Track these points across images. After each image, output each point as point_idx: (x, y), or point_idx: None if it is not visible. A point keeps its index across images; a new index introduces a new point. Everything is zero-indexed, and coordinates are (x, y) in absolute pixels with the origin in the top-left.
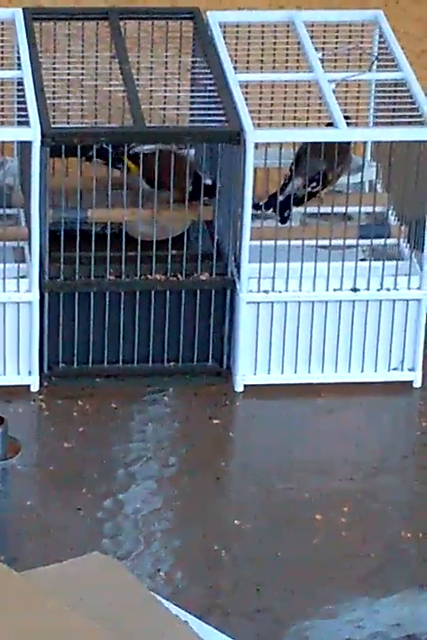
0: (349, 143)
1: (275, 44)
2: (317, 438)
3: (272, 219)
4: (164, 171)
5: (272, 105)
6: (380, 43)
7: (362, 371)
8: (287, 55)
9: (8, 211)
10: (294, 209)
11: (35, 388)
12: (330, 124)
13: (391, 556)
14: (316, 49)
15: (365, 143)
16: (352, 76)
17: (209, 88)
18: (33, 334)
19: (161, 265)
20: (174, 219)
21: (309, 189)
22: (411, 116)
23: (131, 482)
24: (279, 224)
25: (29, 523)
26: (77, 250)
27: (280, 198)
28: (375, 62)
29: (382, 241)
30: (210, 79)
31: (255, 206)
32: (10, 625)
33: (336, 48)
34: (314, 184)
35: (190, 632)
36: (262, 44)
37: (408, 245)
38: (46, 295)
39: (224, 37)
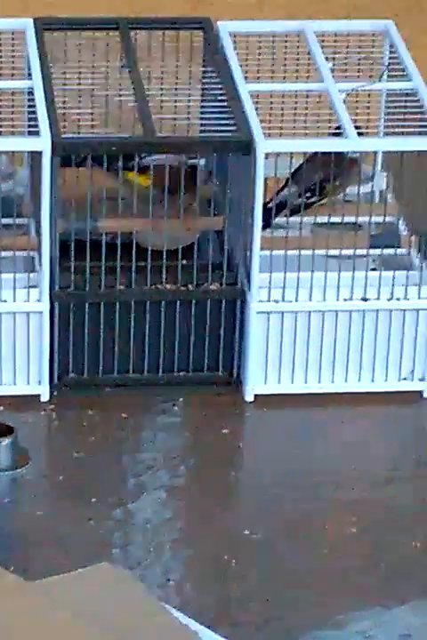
0: (350, 155)
1: (285, 54)
2: (327, 448)
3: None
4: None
5: (283, 115)
6: (390, 52)
7: (372, 380)
8: (298, 65)
9: (18, 220)
10: (291, 218)
11: (45, 397)
12: (336, 133)
13: (401, 567)
14: (326, 59)
15: (375, 153)
16: (363, 85)
17: (219, 98)
18: (43, 344)
19: (171, 275)
20: (184, 228)
21: (304, 200)
22: (422, 126)
23: (141, 492)
24: (262, 229)
25: (39, 533)
26: (88, 260)
27: (270, 205)
28: (386, 72)
29: (392, 251)
30: (220, 89)
31: None
32: (20, 635)
33: (347, 58)
34: (309, 194)
35: None
36: (273, 54)
37: (419, 255)
38: (56, 305)
39: (235, 47)
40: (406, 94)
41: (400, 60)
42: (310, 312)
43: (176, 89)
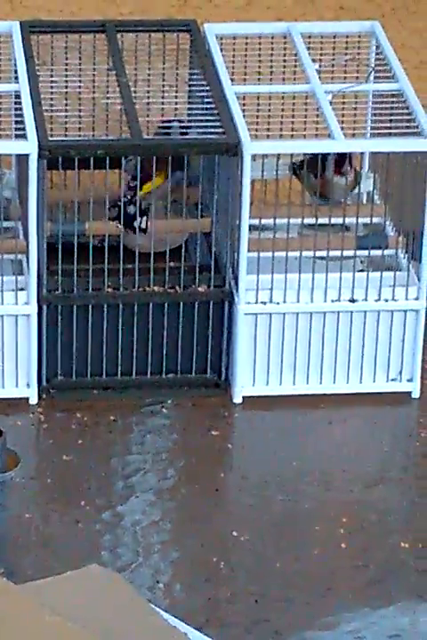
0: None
1: (272, 55)
2: (315, 449)
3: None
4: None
5: (269, 117)
6: (377, 54)
7: (361, 381)
8: (284, 67)
9: (6, 223)
10: (292, 220)
11: (33, 400)
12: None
13: (390, 567)
14: (313, 60)
15: (362, 154)
16: (349, 87)
17: (206, 100)
18: (31, 347)
19: (159, 277)
20: (172, 230)
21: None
22: (408, 127)
23: (129, 494)
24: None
25: (28, 535)
26: (75, 262)
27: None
28: (372, 73)
29: (379, 252)
30: (207, 91)
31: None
32: (9, 638)
33: (333, 59)
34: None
35: None
36: (259, 55)
37: (406, 256)
38: (45, 308)
39: (221, 49)
40: (393, 95)
41: (387, 62)
42: (297, 313)
43: (163, 91)
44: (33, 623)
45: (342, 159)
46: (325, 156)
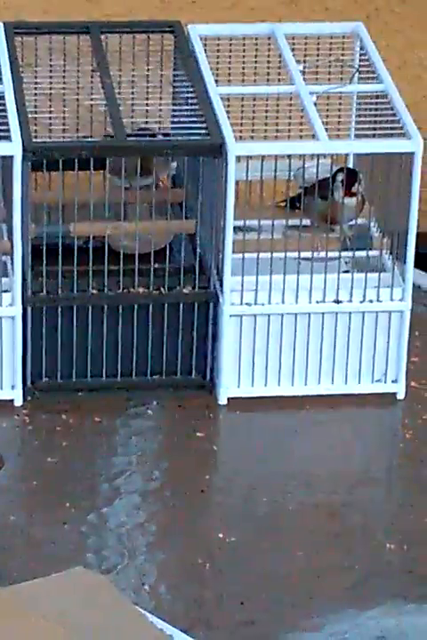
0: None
1: (256, 56)
2: (300, 451)
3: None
4: None
5: (254, 118)
6: (361, 55)
7: (345, 383)
8: (269, 68)
9: None
10: (277, 221)
11: (18, 402)
12: None
13: (376, 568)
14: (297, 61)
15: (346, 155)
16: (334, 88)
17: (191, 101)
18: (16, 348)
19: (144, 278)
20: (157, 232)
21: None
22: (392, 128)
23: (115, 496)
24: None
25: (13, 537)
26: (60, 264)
27: None
28: (356, 74)
29: (364, 253)
30: (191, 92)
31: None
32: None
33: (317, 60)
34: None
35: None
36: (244, 57)
37: (391, 257)
38: (29, 309)
39: (205, 50)
40: (377, 96)
41: (371, 62)
42: (282, 315)
43: (147, 92)
44: (18, 626)
45: (350, 179)
46: (334, 177)
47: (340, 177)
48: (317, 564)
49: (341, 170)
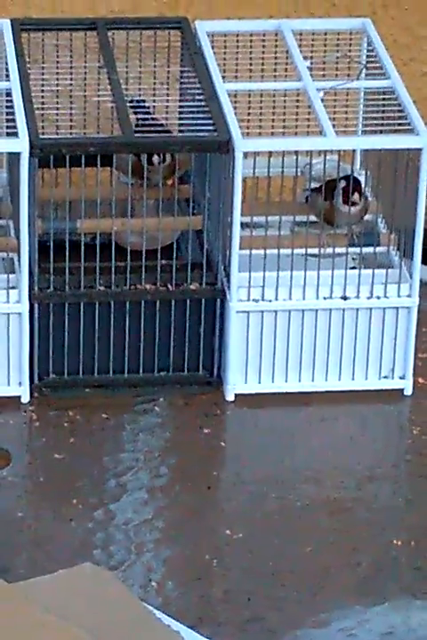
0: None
1: (263, 53)
2: (308, 447)
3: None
4: None
5: (261, 114)
6: (368, 51)
7: (353, 379)
8: (276, 64)
9: None
10: (284, 218)
11: (25, 399)
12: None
13: (383, 565)
14: (304, 57)
15: (354, 151)
16: (341, 84)
17: (198, 98)
18: (23, 345)
19: (150, 275)
20: (164, 228)
21: None
22: (399, 124)
23: (122, 492)
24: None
25: (20, 534)
26: (67, 260)
27: None
28: (364, 70)
29: (371, 249)
30: (198, 89)
31: None
32: (1, 637)
33: (325, 56)
34: None
35: None
36: (251, 53)
37: (398, 253)
38: (36, 306)
39: (212, 47)
40: (384, 92)
41: (378, 58)
42: (289, 311)
43: (154, 89)
44: (26, 622)
45: (349, 188)
46: (338, 182)
47: (342, 184)
48: (324, 560)
49: (346, 177)
